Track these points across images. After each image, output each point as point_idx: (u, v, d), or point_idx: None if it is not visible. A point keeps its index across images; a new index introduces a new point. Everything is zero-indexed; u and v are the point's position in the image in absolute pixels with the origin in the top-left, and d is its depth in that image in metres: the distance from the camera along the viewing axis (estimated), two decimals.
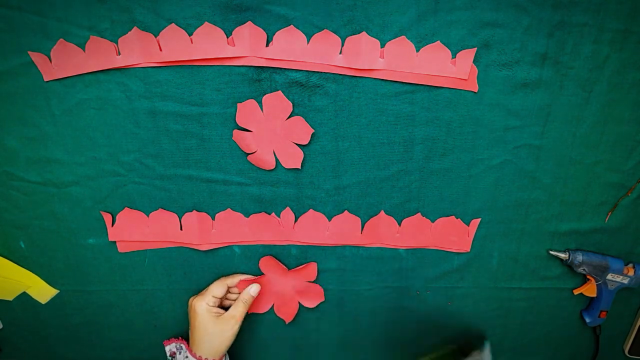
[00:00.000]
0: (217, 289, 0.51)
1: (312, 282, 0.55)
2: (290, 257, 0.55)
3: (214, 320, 0.50)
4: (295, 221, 0.52)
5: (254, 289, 0.52)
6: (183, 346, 0.53)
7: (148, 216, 0.51)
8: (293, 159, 0.49)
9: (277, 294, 0.56)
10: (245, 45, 0.43)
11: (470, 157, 0.50)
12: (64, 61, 0.44)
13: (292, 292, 0.56)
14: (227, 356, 0.55)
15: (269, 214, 0.52)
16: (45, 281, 0.55)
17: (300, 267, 0.54)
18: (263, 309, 0.57)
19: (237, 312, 0.51)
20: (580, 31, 0.44)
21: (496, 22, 0.43)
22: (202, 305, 0.50)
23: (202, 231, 0.52)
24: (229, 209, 0.51)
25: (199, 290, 0.56)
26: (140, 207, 0.51)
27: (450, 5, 0.43)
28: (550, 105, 0.47)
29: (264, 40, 0.43)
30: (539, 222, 0.53)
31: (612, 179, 0.51)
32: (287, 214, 0.52)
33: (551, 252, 0.54)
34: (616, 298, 0.55)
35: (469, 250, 0.54)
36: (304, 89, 0.46)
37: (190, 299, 0.52)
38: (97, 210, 0.51)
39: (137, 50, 0.43)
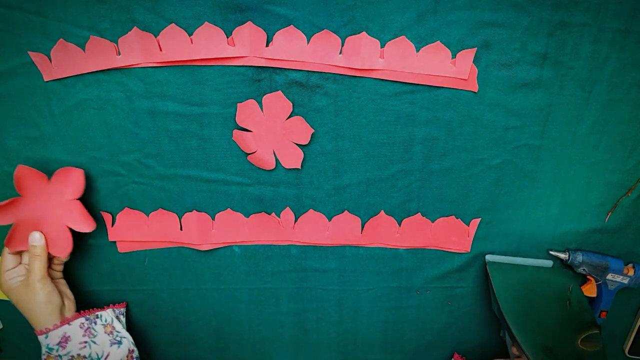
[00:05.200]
0: (5, 262, 0.47)
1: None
2: (290, 257, 0.55)
3: (22, 291, 0.46)
4: (295, 221, 0.52)
5: (32, 239, 0.45)
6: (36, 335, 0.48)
7: (148, 216, 0.51)
8: (293, 159, 0.49)
9: (42, 220, 0.47)
10: (245, 45, 0.43)
11: (470, 157, 0.50)
12: (64, 61, 0.44)
13: (60, 213, 0.47)
14: (121, 318, 0.52)
15: (269, 214, 0.52)
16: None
17: (62, 170, 0.46)
18: (24, 245, 0.47)
19: (32, 271, 0.46)
20: (580, 31, 0.44)
21: (496, 22, 0.43)
22: (3, 286, 0.47)
23: (202, 231, 0.52)
24: (229, 209, 0.51)
25: (199, 290, 0.56)
26: (140, 207, 0.51)
27: (450, 5, 0.43)
28: (550, 105, 0.47)
29: (264, 40, 0.43)
30: (539, 222, 0.53)
31: (612, 179, 0.51)
32: (287, 214, 0.52)
33: (551, 252, 0.54)
34: (616, 298, 0.55)
35: (469, 250, 0.54)
36: (304, 89, 0.46)
37: None
38: (97, 210, 0.51)
39: (137, 50, 0.43)
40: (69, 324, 0.48)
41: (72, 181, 0.47)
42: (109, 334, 0.50)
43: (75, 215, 0.47)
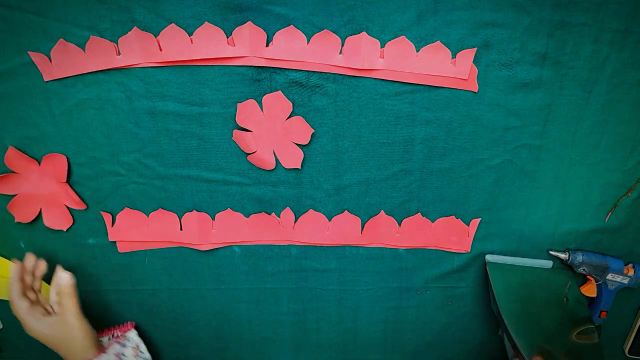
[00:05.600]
0: (13, 290, 0.45)
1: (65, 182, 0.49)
2: (290, 257, 0.55)
3: (56, 330, 0.45)
4: (295, 221, 0.52)
5: (59, 278, 0.46)
6: None
7: (148, 216, 0.51)
8: (293, 159, 0.49)
9: (42, 197, 0.50)
10: (245, 45, 0.43)
11: (470, 157, 0.50)
12: (64, 61, 0.44)
13: (56, 191, 0.49)
14: (139, 341, 0.54)
15: (269, 214, 0.52)
16: (45, 281, 0.55)
17: (48, 155, 0.48)
18: (28, 217, 0.50)
19: (68, 309, 0.46)
20: (580, 31, 0.44)
21: (496, 22, 0.43)
22: (31, 331, 0.44)
23: (202, 231, 0.52)
24: (229, 209, 0.51)
25: (199, 290, 0.56)
26: (140, 207, 0.51)
27: (450, 5, 0.43)
28: (550, 105, 0.47)
29: (264, 40, 0.43)
30: (539, 222, 0.53)
31: (612, 179, 0.51)
32: (287, 214, 0.52)
33: (551, 252, 0.54)
34: (616, 298, 0.55)
35: (469, 250, 0.54)
36: (304, 89, 0.46)
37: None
38: (97, 210, 0.51)
39: (137, 50, 0.43)
40: (105, 352, 0.48)
41: (59, 165, 0.49)
42: (135, 357, 0.51)
43: (68, 196, 0.50)
